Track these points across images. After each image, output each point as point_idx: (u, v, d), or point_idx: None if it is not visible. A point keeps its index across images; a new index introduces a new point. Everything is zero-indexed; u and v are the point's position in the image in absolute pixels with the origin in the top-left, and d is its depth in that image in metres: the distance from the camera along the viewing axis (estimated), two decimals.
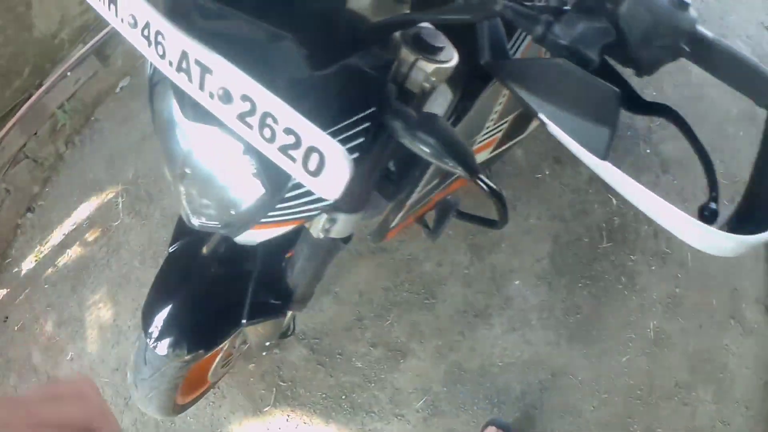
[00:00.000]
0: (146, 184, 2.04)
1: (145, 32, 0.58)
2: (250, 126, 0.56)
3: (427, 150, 0.62)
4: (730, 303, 2.04)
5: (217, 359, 1.36)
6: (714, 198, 0.68)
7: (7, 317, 1.81)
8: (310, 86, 0.58)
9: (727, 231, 0.53)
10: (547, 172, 2.14)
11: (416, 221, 1.25)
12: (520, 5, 0.57)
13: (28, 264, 1.92)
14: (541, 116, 0.59)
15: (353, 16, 0.68)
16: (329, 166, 0.55)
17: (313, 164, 0.55)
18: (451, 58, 0.65)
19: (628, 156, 2.22)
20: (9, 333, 1.78)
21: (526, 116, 1.13)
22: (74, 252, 1.88)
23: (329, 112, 0.59)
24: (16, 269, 1.91)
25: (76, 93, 2.17)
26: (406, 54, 0.64)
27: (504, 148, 1.23)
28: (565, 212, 2.07)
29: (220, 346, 1.07)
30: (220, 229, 0.78)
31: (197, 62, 0.55)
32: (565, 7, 0.57)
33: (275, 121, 0.54)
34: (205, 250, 1.02)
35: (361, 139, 0.62)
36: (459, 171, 0.64)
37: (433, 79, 0.64)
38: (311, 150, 0.54)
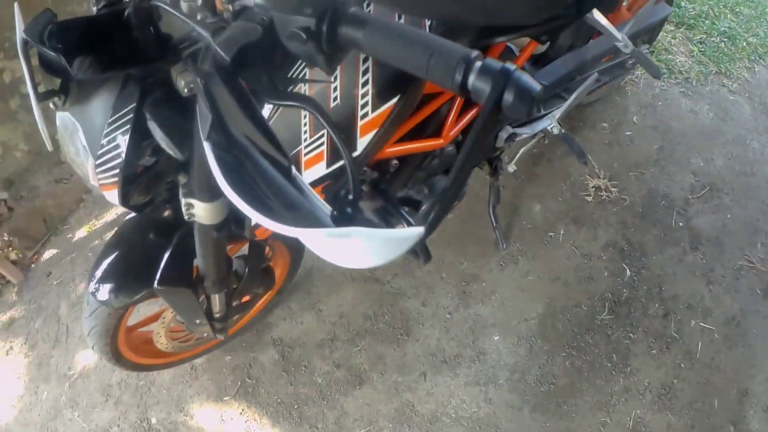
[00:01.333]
0: None
1: None
2: None
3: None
4: (735, 407, 1.85)
5: (156, 325, 1.50)
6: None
7: (50, 272, 2.11)
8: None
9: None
10: (562, 232, 2.06)
11: None
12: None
13: (80, 233, 2.21)
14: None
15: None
16: None
17: None
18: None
19: (655, 226, 2.08)
20: (48, 285, 2.06)
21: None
22: None
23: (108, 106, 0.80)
24: (70, 235, 2.20)
25: None
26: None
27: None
28: (569, 275, 1.99)
29: (134, 299, 1.22)
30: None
31: None
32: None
33: None
34: (146, 218, 1.20)
35: (127, 126, 0.80)
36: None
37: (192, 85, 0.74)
38: None
